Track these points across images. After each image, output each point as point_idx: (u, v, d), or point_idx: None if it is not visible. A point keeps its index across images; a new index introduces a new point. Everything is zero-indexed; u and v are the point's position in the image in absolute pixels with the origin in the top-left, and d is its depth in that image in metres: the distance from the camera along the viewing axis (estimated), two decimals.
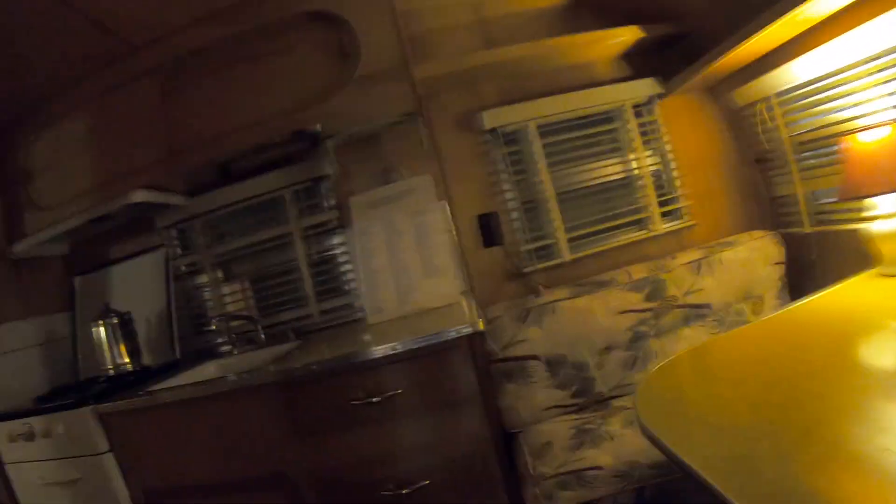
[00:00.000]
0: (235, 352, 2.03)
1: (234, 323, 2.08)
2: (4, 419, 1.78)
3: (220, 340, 2.13)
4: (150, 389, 1.60)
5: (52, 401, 1.78)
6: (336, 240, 2.12)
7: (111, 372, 1.92)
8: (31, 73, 1.85)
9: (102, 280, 2.26)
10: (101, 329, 1.94)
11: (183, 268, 2.19)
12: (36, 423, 1.71)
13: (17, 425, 1.75)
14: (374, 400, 1.39)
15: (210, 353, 2.10)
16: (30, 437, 1.73)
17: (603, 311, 1.81)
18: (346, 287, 2.11)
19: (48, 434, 1.69)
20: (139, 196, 1.86)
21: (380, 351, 1.42)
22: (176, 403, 1.53)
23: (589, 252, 2.12)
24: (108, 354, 1.93)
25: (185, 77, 1.92)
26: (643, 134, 2.19)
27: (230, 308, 2.15)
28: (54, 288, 2.31)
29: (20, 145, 2.11)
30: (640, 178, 2.19)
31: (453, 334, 1.39)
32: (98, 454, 1.61)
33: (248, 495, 1.51)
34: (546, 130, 2.13)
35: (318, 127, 1.85)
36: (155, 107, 1.92)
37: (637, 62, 2.20)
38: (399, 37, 1.81)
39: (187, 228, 2.21)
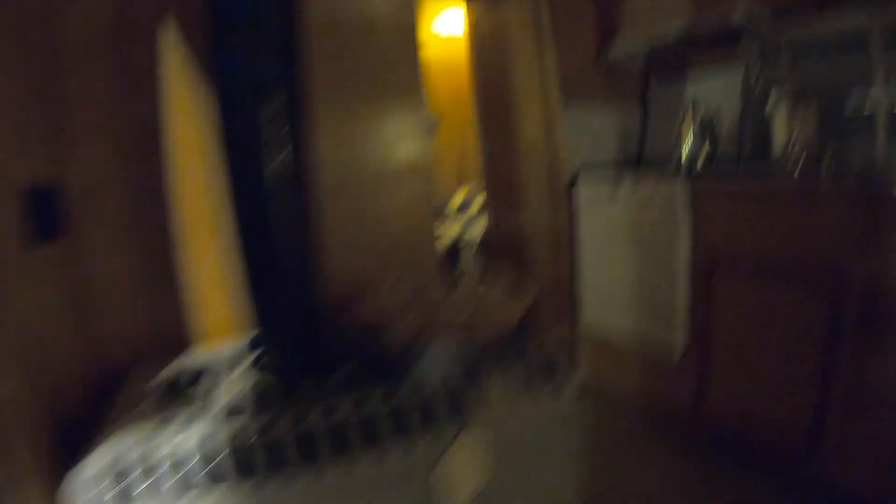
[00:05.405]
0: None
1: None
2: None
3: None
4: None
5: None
6: None
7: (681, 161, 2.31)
8: None
9: (679, 85, 2.51)
10: (683, 125, 2.27)
11: (757, 88, 2.12)
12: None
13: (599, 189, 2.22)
14: None
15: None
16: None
17: None
18: None
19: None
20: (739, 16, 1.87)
21: None
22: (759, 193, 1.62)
23: None
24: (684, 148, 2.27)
25: None
26: None
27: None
28: (632, 84, 2.69)
29: None
30: None
31: None
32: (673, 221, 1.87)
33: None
34: None
35: None
36: None
37: None
38: None
39: (771, 52, 2.06)
